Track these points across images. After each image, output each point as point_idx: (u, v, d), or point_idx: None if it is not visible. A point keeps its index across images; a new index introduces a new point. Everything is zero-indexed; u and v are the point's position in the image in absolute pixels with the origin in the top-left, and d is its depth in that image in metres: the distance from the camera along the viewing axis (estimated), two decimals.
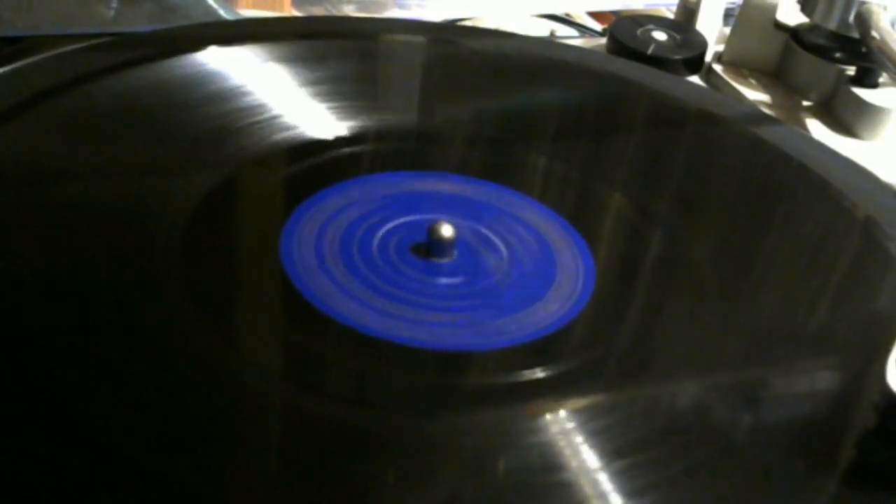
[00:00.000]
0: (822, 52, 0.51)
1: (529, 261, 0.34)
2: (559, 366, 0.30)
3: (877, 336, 0.28)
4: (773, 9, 0.53)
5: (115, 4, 0.50)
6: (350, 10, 0.66)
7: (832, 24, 0.50)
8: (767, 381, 0.30)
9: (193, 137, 0.38)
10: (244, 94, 0.40)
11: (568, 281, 0.33)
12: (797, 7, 0.53)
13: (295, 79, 0.42)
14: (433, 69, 0.47)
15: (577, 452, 0.26)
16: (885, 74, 0.48)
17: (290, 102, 0.41)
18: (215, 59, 0.42)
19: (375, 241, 0.34)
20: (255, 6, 0.62)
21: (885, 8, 0.47)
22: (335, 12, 0.65)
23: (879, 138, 0.48)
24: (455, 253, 0.34)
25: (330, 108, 0.41)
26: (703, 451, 0.27)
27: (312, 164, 0.38)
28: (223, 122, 0.39)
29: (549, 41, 0.58)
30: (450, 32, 0.53)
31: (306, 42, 0.45)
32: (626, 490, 0.25)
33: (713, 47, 0.55)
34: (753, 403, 0.29)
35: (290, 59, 0.43)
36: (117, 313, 0.29)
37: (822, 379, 0.31)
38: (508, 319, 0.31)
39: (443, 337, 0.30)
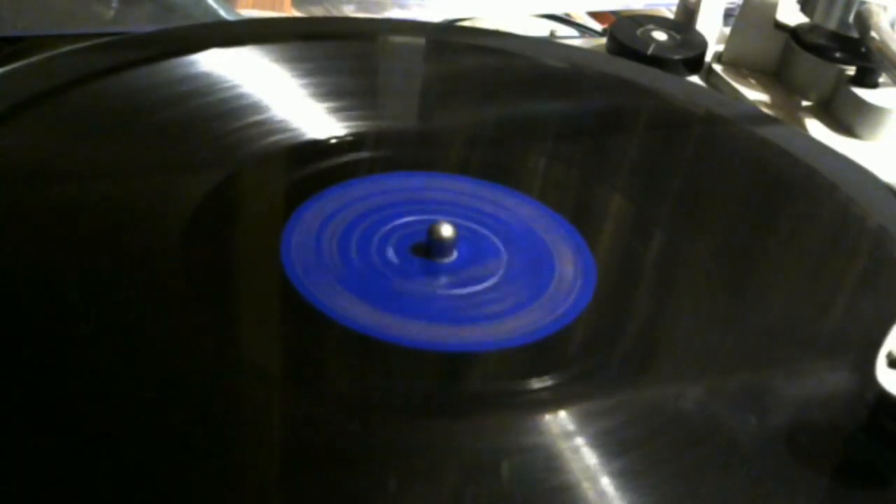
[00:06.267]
0: (822, 52, 0.51)
1: (529, 261, 0.34)
2: (560, 366, 0.30)
3: (878, 336, 0.28)
4: (773, 9, 0.53)
5: (115, 4, 0.50)
6: (350, 10, 0.66)
7: (832, 24, 0.50)
8: (769, 383, 0.30)
9: (193, 137, 0.38)
10: (244, 94, 0.40)
11: (568, 281, 0.33)
12: (797, 7, 0.53)
13: (295, 79, 0.42)
14: (433, 69, 0.47)
15: (578, 453, 0.26)
16: (885, 74, 0.48)
17: (290, 103, 0.41)
18: (215, 60, 0.42)
19: (375, 241, 0.34)
20: (255, 6, 0.62)
21: (885, 8, 0.47)
22: (335, 12, 0.65)
23: (879, 138, 0.48)
24: (455, 253, 0.34)
25: (330, 109, 0.41)
26: (703, 452, 0.27)
27: (312, 164, 0.38)
28: (223, 122, 0.38)
29: (549, 41, 0.58)
30: (450, 32, 0.52)
31: (306, 42, 0.45)
32: (627, 491, 0.25)
33: (713, 47, 0.55)
34: (755, 404, 0.29)
35: (290, 60, 0.43)
36: (117, 313, 0.29)
37: (824, 380, 0.31)
38: (509, 320, 0.31)
39: (443, 337, 0.30)
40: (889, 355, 0.27)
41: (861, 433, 0.26)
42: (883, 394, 0.26)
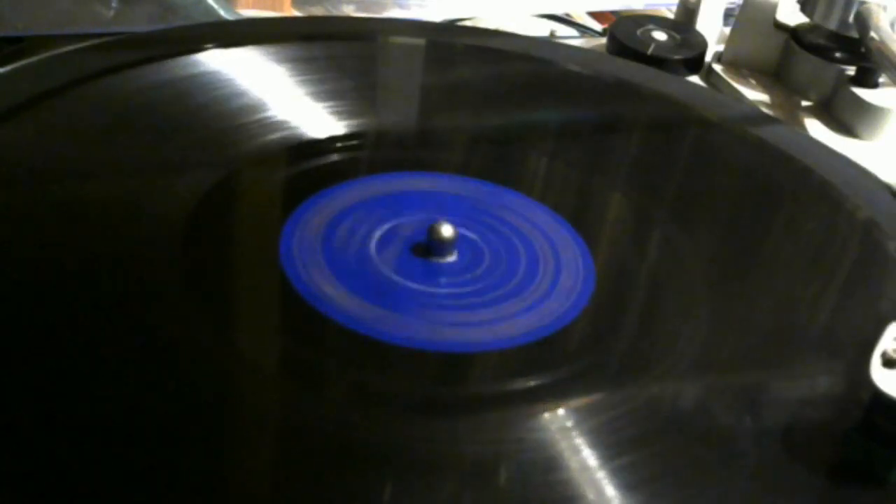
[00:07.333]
0: (822, 52, 0.51)
1: (529, 261, 0.34)
2: (559, 366, 0.30)
3: (874, 335, 0.28)
4: (773, 9, 0.53)
5: (115, 4, 0.50)
6: (350, 10, 0.66)
7: (832, 24, 0.50)
8: (766, 382, 0.30)
9: (193, 137, 0.38)
10: (244, 94, 0.40)
11: (568, 281, 0.33)
12: (797, 7, 0.53)
13: (295, 79, 0.42)
14: (433, 69, 0.47)
15: (577, 452, 0.26)
16: (885, 74, 0.48)
17: (290, 103, 0.41)
18: (215, 60, 0.42)
19: (375, 240, 0.34)
20: (255, 6, 0.62)
21: (884, 8, 0.47)
22: (335, 12, 0.65)
23: (879, 138, 0.48)
24: (455, 253, 0.34)
25: (330, 109, 0.41)
26: (701, 451, 0.27)
27: (312, 164, 0.38)
28: (223, 122, 0.39)
29: (549, 41, 0.58)
30: (450, 32, 0.52)
31: (306, 42, 0.45)
32: (626, 489, 0.25)
33: (713, 47, 0.55)
34: (752, 403, 0.29)
35: (289, 60, 0.43)
36: (117, 313, 0.29)
37: (822, 379, 0.31)
38: (509, 319, 0.31)
39: (443, 337, 0.30)
40: (884, 355, 0.27)
41: (856, 432, 0.26)
42: (878, 393, 0.26)
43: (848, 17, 0.49)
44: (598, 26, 0.66)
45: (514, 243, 0.35)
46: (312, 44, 0.45)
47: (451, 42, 0.49)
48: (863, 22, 0.47)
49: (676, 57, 0.52)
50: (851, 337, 0.33)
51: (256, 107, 0.40)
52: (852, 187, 0.40)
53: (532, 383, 0.29)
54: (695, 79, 0.53)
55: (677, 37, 0.53)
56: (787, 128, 0.46)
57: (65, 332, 0.28)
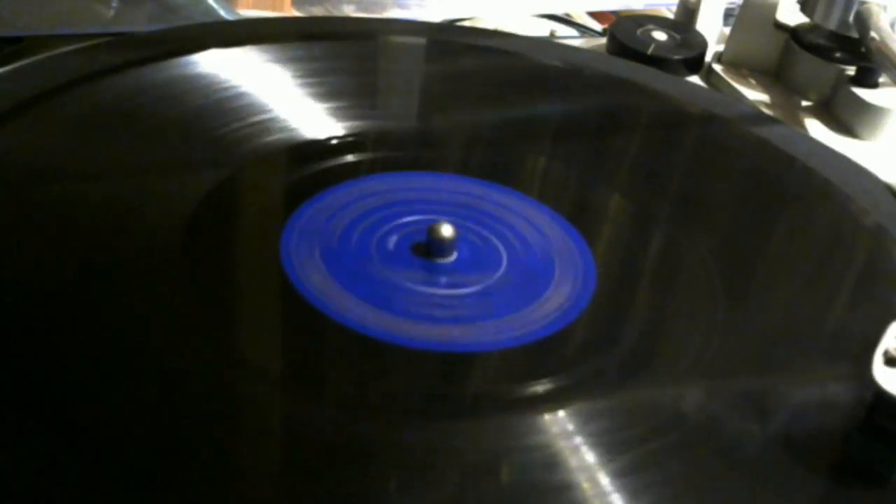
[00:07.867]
0: (822, 52, 0.51)
1: (529, 261, 0.34)
2: (559, 366, 0.30)
3: (876, 335, 0.28)
4: (773, 9, 0.53)
5: (115, 4, 0.50)
6: (350, 11, 0.66)
7: (832, 24, 0.50)
8: (767, 382, 0.30)
9: (193, 137, 0.38)
10: (244, 94, 0.40)
11: (568, 281, 0.33)
12: (797, 7, 0.53)
13: (295, 79, 0.42)
14: (433, 69, 0.47)
15: (578, 454, 0.26)
16: (885, 74, 0.48)
17: (290, 103, 0.41)
18: (215, 60, 0.42)
19: (375, 241, 0.34)
20: (255, 6, 0.62)
21: (884, 8, 0.47)
22: (335, 12, 0.65)
23: (879, 138, 0.48)
24: (455, 253, 0.34)
25: (330, 109, 0.41)
26: (702, 452, 0.27)
27: (312, 164, 0.38)
28: (223, 121, 0.39)
29: (550, 41, 0.58)
30: (450, 32, 0.52)
31: (306, 43, 0.45)
32: (627, 491, 0.25)
33: (713, 47, 0.55)
34: (754, 405, 0.29)
35: (290, 60, 0.43)
36: (117, 313, 0.29)
37: (823, 379, 0.31)
38: (509, 320, 0.31)
39: (443, 338, 0.30)
40: (886, 353, 0.27)
41: (858, 432, 0.26)
42: (880, 392, 0.26)
43: (848, 17, 0.49)
44: (598, 26, 0.66)
45: (515, 243, 0.35)
46: (312, 44, 0.45)
47: (450, 42, 0.49)
48: (863, 22, 0.47)
49: (676, 57, 0.52)
50: (853, 337, 0.33)
51: (256, 107, 0.40)
52: (852, 188, 0.40)
53: (532, 384, 0.29)
54: (695, 79, 0.53)
55: (677, 37, 0.53)
56: (788, 128, 0.46)
57: (64, 332, 0.28)
